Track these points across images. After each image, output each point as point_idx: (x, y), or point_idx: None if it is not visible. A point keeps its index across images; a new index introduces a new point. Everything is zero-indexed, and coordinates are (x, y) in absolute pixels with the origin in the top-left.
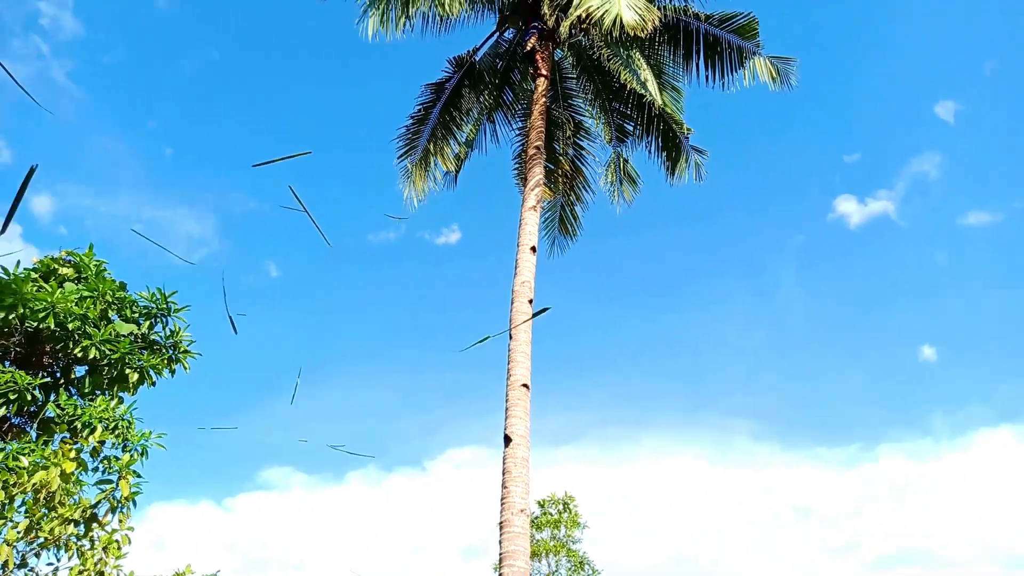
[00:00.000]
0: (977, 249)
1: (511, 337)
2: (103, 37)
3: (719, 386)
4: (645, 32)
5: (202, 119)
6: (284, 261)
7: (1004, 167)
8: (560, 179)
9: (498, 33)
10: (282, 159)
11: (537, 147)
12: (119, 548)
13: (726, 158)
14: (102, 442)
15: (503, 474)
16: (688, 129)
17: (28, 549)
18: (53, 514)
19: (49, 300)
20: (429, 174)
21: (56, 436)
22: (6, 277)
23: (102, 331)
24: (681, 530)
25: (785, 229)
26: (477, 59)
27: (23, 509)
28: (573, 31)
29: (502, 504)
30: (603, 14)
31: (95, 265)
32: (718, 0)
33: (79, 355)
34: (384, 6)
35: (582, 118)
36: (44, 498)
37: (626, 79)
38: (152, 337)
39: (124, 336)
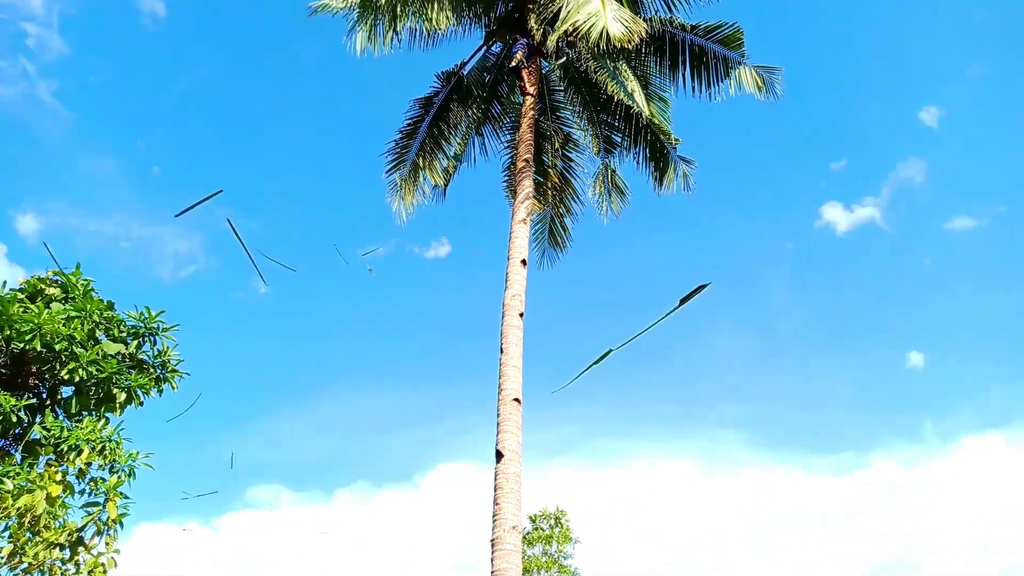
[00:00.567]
0: (962, 254)
1: (502, 351)
2: (90, 57)
3: (711, 395)
4: (632, 44)
5: (191, 138)
6: (272, 279)
7: (988, 172)
8: (549, 191)
9: (485, 47)
10: (199, 203)
11: (526, 160)
12: (104, 572)
13: (713, 167)
14: (89, 463)
15: (495, 490)
16: (675, 139)
17: (12, 575)
18: (38, 538)
19: (36, 321)
20: (418, 188)
21: (41, 458)
22: None
23: (89, 352)
24: (674, 540)
25: (773, 237)
26: (465, 73)
27: (7, 534)
28: (560, 44)
29: (494, 521)
30: (590, 27)
31: (82, 284)
32: (704, 11)
33: (66, 376)
34: (372, 21)
35: (570, 130)
36: (29, 522)
37: (613, 91)
38: (140, 356)
39: (112, 356)
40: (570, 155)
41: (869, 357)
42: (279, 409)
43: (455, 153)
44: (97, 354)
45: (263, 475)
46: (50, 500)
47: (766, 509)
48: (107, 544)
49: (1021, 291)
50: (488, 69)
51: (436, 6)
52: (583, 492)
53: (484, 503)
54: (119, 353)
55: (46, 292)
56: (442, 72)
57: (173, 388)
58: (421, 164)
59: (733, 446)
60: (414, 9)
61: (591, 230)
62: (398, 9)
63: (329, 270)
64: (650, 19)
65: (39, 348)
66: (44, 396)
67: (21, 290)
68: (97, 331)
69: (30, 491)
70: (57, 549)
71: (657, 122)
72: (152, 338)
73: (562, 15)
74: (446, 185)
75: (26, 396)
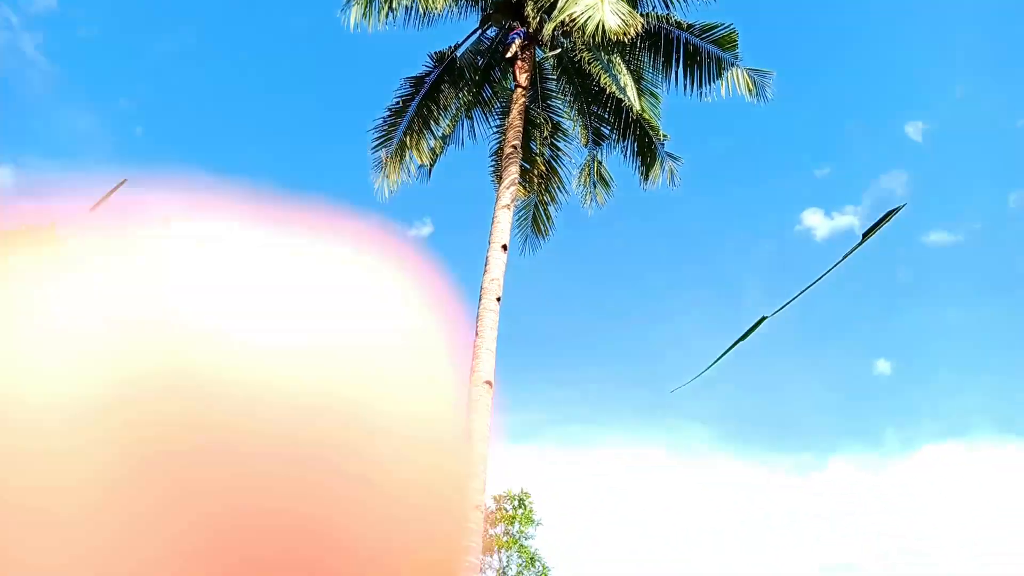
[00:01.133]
0: (937, 268)
1: (477, 334)
2: (78, 11)
3: (680, 390)
4: (628, 38)
5: (176, 101)
6: None
7: (967, 189)
8: (535, 179)
9: (480, 30)
10: (107, 195)
11: (514, 146)
12: None
13: (700, 165)
14: None
15: None
16: (664, 135)
17: None
18: None
19: None
20: (404, 166)
21: None
22: None
23: None
24: (635, 527)
25: (753, 238)
26: (458, 55)
27: None
28: (556, 34)
29: None
30: (587, 19)
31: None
32: (699, 11)
33: None
34: None
35: (560, 119)
36: None
37: (606, 83)
38: None
39: None
40: (558, 144)
41: (838, 361)
42: None
43: (443, 134)
44: None
45: None
46: None
47: (726, 502)
48: None
49: (990, 307)
50: (482, 53)
51: None
52: (548, 476)
53: None
54: None
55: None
56: (435, 53)
57: None
58: (408, 143)
59: (698, 439)
60: None
61: (574, 219)
62: None
63: None
64: (647, 14)
65: None
66: None
67: None
68: None
69: None
70: None
71: (647, 117)
72: None
73: (559, 4)
74: (432, 165)
75: None
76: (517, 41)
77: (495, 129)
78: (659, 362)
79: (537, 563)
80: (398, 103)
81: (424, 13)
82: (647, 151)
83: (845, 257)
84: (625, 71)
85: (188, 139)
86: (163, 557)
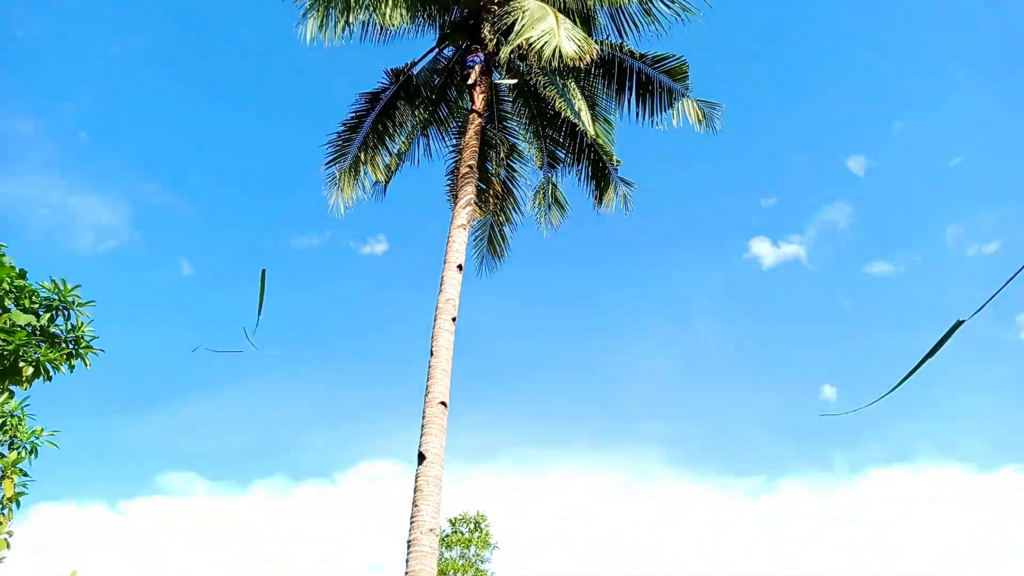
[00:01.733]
0: (878, 297)
1: (432, 354)
2: (18, 10)
3: (633, 411)
4: (583, 64)
5: (123, 106)
6: (199, 259)
7: (907, 222)
8: (491, 199)
9: (438, 49)
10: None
11: (470, 166)
12: None
13: (651, 192)
14: None
15: (414, 492)
16: (617, 161)
17: None
18: None
19: None
20: (358, 182)
21: None
22: None
23: None
24: (590, 550)
25: (703, 265)
26: (415, 73)
27: None
28: (512, 57)
29: (411, 522)
30: (543, 44)
31: None
32: (651, 42)
33: None
34: (324, 10)
35: (516, 141)
36: None
37: (561, 107)
38: (52, 330)
39: (21, 327)
40: (514, 165)
41: (786, 387)
42: (196, 395)
43: (399, 151)
44: (5, 323)
45: (176, 462)
46: None
47: (682, 525)
48: (0, 523)
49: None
50: (439, 72)
51: (391, 2)
52: (504, 498)
53: (404, 503)
54: (29, 324)
55: None
56: (391, 69)
57: (86, 365)
58: (363, 159)
59: (652, 462)
60: (368, 2)
61: (529, 241)
62: (352, 0)
63: (257, 258)
64: (601, 42)
65: None
66: None
67: None
68: (6, 299)
69: None
70: None
71: (601, 142)
72: (66, 312)
73: (516, 28)
74: (387, 182)
75: None
76: (477, 67)
77: (451, 148)
78: (614, 385)
79: None
80: (353, 119)
81: (381, 29)
82: (601, 175)
83: (930, 355)
84: (580, 96)
85: (134, 146)
86: None
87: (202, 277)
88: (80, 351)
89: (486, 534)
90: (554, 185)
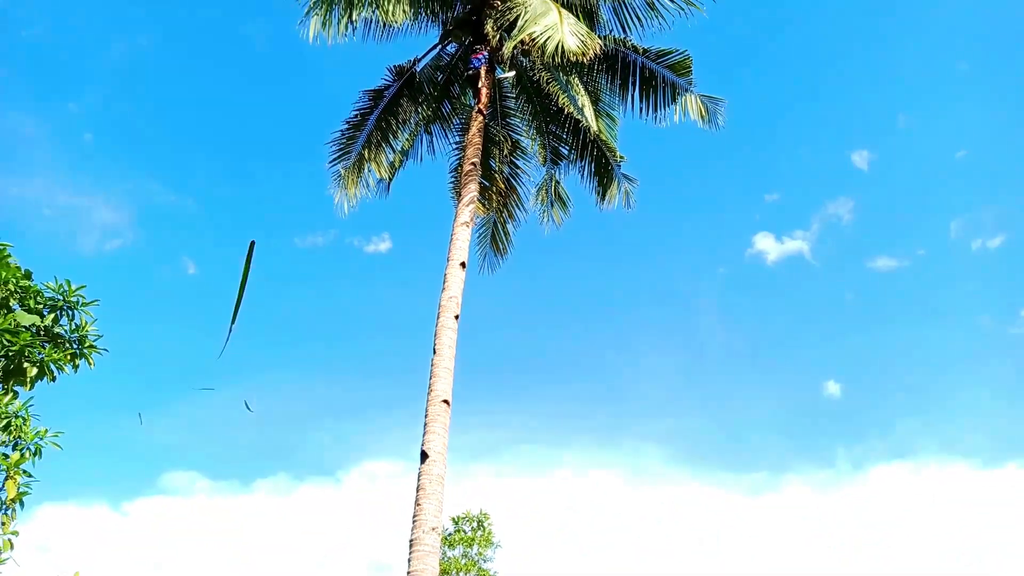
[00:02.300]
0: (882, 292)
1: (435, 352)
2: (24, 11)
3: (636, 409)
4: (586, 59)
5: (127, 106)
6: (203, 258)
7: (911, 216)
8: (494, 196)
9: (440, 46)
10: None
11: (473, 163)
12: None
13: (654, 188)
14: None
15: (417, 491)
16: (620, 157)
17: None
18: None
19: None
20: (362, 180)
21: None
22: None
23: (2, 320)
24: (593, 548)
25: (706, 261)
26: (418, 70)
27: None
28: (515, 52)
29: (414, 521)
30: (546, 39)
31: None
32: (655, 36)
33: None
34: (327, 8)
35: (519, 138)
36: None
37: (564, 103)
38: (56, 330)
39: (26, 328)
40: (517, 162)
41: (789, 383)
42: (200, 394)
43: (402, 148)
44: (10, 324)
45: (179, 461)
46: None
47: (683, 523)
48: (3, 524)
49: (932, 330)
50: (442, 68)
51: None
52: (507, 497)
53: (406, 502)
54: (33, 325)
55: None
56: (394, 66)
57: (90, 364)
58: (367, 156)
59: (655, 460)
60: (371, 0)
61: (532, 237)
62: None
63: (263, 255)
64: (605, 37)
65: None
66: None
67: None
68: (11, 300)
69: None
70: None
71: (604, 138)
72: (70, 312)
73: (519, 24)
74: (391, 179)
75: None
76: (483, 66)
77: (454, 145)
78: (616, 381)
79: None
80: (357, 116)
81: (384, 26)
82: (604, 172)
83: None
84: (583, 92)
85: (139, 146)
86: None
87: (206, 276)
88: (84, 351)
89: (489, 533)
90: (557, 182)
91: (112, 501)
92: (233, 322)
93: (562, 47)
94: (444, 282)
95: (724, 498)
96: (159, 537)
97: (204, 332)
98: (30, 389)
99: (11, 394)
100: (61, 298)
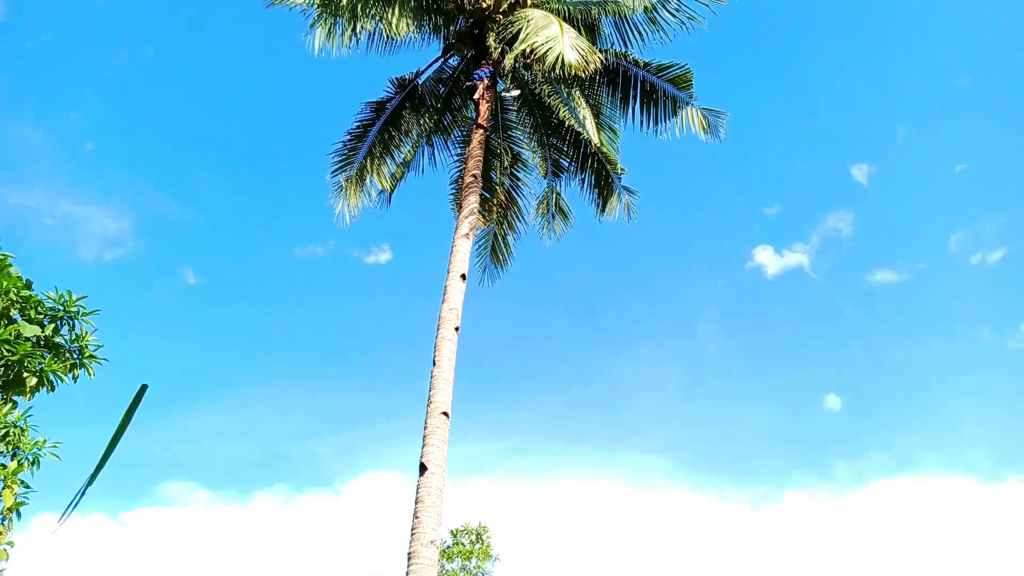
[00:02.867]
0: (882, 305)
1: (435, 363)
2: (29, 20)
3: (636, 421)
4: (586, 72)
5: (129, 116)
6: (204, 268)
7: (911, 230)
8: (495, 208)
9: (442, 59)
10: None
11: (474, 175)
12: None
13: (655, 200)
14: None
15: (416, 503)
16: (621, 169)
17: None
18: None
19: None
20: (364, 191)
21: None
22: None
23: (3, 331)
24: (594, 562)
25: (706, 273)
26: (420, 82)
27: None
28: (517, 65)
29: (412, 534)
30: (547, 51)
31: None
32: (656, 50)
33: None
34: (331, 20)
35: (520, 150)
36: None
37: (565, 116)
38: (56, 340)
39: (27, 338)
40: (518, 174)
41: (790, 396)
42: (200, 404)
43: (404, 160)
44: (11, 334)
45: (178, 472)
46: None
47: (685, 535)
48: (0, 533)
49: (932, 344)
50: (443, 81)
51: (397, 12)
52: (506, 509)
53: (405, 514)
54: (34, 335)
55: None
56: (397, 78)
57: (90, 374)
58: (369, 167)
59: (656, 471)
60: (375, 12)
61: (532, 249)
62: (359, 10)
63: (263, 266)
64: (606, 51)
65: None
66: None
67: None
68: (12, 310)
69: None
70: None
71: (605, 151)
72: (71, 322)
73: (521, 35)
74: (392, 191)
75: None
76: (484, 81)
77: (456, 157)
78: (617, 394)
79: None
80: (358, 128)
81: (387, 39)
82: (604, 184)
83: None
84: (584, 105)
85: (140, 156)
86: None
87: (207, 286)
88: (84, 361)
89: (487, 545)
90: (558, 194)
91: (110, 511)
92: (95, 475)
93: (562, 59)
94: (444, 294)
95: (725, 511)
96: (157, 547)
97: (203, 342)
98: (29, 399)
99: (10, 404)
100: (62, 308)
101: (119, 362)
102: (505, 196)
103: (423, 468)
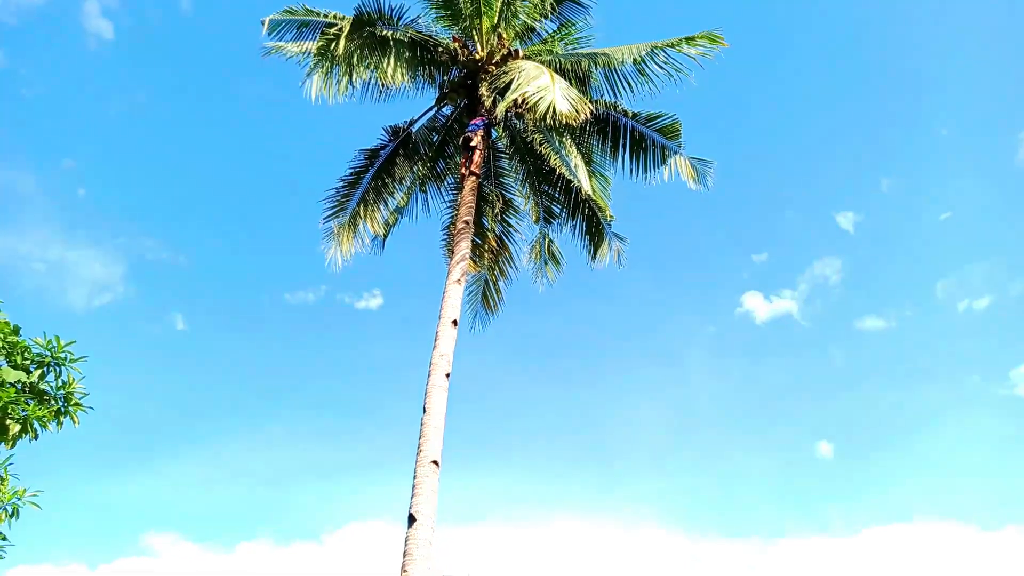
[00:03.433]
0: (871, 352)
1: (425, 411)
2: (27, 70)
3: (627, 468)
4: (577, 122)
5: (122, 162)
6: (192, 314)
7: (898, 277)
8: (486, 254)
9: (436, 108)
10: None
11: (466, 221)
12: None
13: (645, 246)
14: None
15: (403, 556)
16: (611, 216)
17: None
18: None
19: None
20: (357, 237)
21: None
22: None
23: None
24: None
25: (696, 320)
26: (414, 130)
27: None
28: (508, 115)
29: None
30: (538, 100)
31: None
32: (645, 100)
33: None
34: (328, 70)
35: (512, 197)
36: None
37: (556, 164)
38: (41, 387)
39: (11, 384)
40: (509, 220)
41: (781, 443)
42: (183, 452)
43: (397, 206)
44: None
45: (160, 522)
46: None
47: None
48: None
49: (924, 391)
50: (437, 129)
51: (393, 62)
52: (497, 557)
53: (393, 566)
54: (19, 381)
55: None
56: (391, 127)
57: (75, 422)
58: (362, 213)
59: (646, 520)
60: (371, 62)
61: (523, 295)
62: (355, 60)
63: (250, 313)
64: (596, 101)
65: None
66: None
67: None
68: None
69: None
70: None
71: (596, 198)
72: (58, 368)
73: (513, 85)
74: (386, 236)
75: None
76: (479, 132)
77: (448, 203)
78: (607, 441)
79: None
80: (352, 174)
81: (382, 88)
82: (595, 230)
83: None
84: (576, 153)
85: (133, 203)
86: None
87: (195, 332)
88: (69, 408)
89: None
90: (550, 240)
91: (90, 562)
92: None
93: (554, 108)
94: (435, 340)
95: (718, 560)
96: None
97: (190, 388)
98: (11, 447)
99: None
100: (49, 354)
101: (104, 408)
102: (497, 242)
103: (412, 519)
